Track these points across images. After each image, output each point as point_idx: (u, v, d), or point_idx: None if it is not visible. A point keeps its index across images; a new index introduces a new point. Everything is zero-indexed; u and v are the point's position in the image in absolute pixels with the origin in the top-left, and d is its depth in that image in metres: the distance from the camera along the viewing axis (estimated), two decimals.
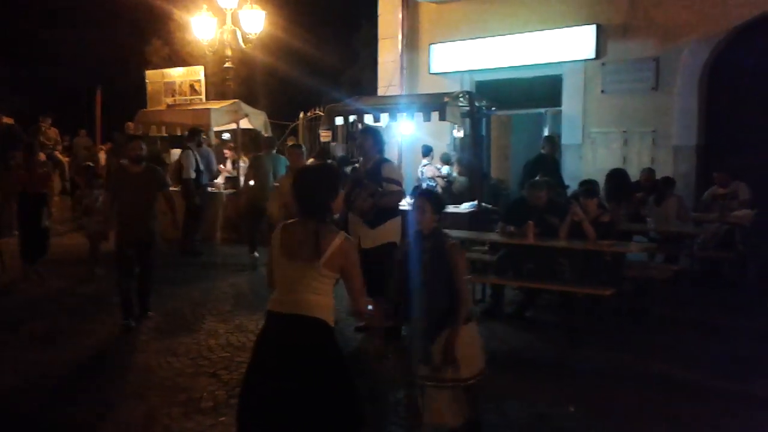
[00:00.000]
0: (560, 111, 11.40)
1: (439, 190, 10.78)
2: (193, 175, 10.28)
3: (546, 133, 11.57)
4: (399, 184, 6.06)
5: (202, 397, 4.88)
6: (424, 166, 11.26)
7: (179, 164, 10.47)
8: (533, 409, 4.67)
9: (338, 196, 3.43)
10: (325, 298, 3.23)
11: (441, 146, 12.11)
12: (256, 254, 9.66)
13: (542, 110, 11.91)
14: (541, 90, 11.66)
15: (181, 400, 4.84)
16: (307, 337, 3.16)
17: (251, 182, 10.11)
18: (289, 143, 12.27)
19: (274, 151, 10.45)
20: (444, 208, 4.23)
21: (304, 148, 7.66)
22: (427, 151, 11.54)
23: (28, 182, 8.57)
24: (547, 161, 9.60)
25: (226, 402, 4.77)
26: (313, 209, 3.26)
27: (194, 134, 10.65)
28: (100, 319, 6.90)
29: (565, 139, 11.14)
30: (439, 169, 11.18)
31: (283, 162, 10.05)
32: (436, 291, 3.84)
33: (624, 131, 10.64)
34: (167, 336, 6.33)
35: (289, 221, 3.34)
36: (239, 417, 3.26)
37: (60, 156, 13.85)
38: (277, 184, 8.82)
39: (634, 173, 9.33)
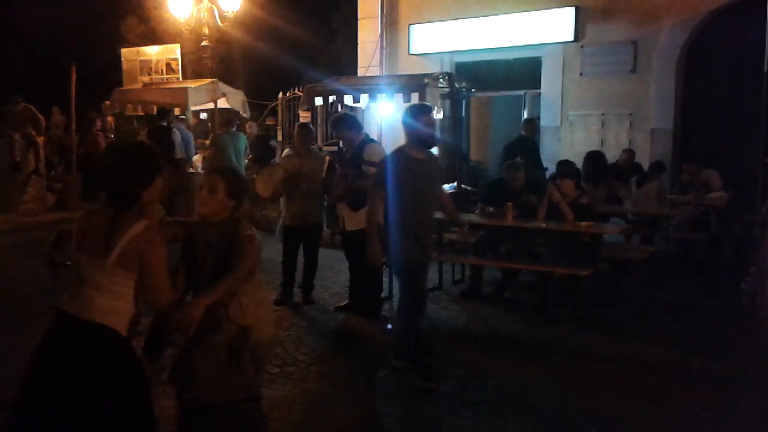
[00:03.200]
0: (539, 93, 11.45)
1: None
2: (179, 154, 10.28)
3: (525, 115, 11.62)
4: (377, 166, 6.00)
5: None
6: None
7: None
8: (509, 387, 4.73)
9: (154, 183, 2.75)
10: (118, 302, 2.68)
11: None
12: None
13: (521, 92, 11.94)
14: (520, 72, 11.69)
15: None
16: (93, 349, 2.64)
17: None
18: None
19: (234, 129, 10.37)
20: (245, 194, 3.32)
21: (312, 129, 7.49)
22: None
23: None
24: (527, 143, 9.66)
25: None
26: (116, 196, 2.71)
27: (165, 114, 10.55)
28: None
29: (544, 121, 11.20)
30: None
31: (243, 140, 10.05)
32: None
33: (602, 114, 10.73)
34: None
35: (94, 207, 2.81)
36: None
37: (34, 134, 13.60)
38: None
39: (611, 155, 9.42)
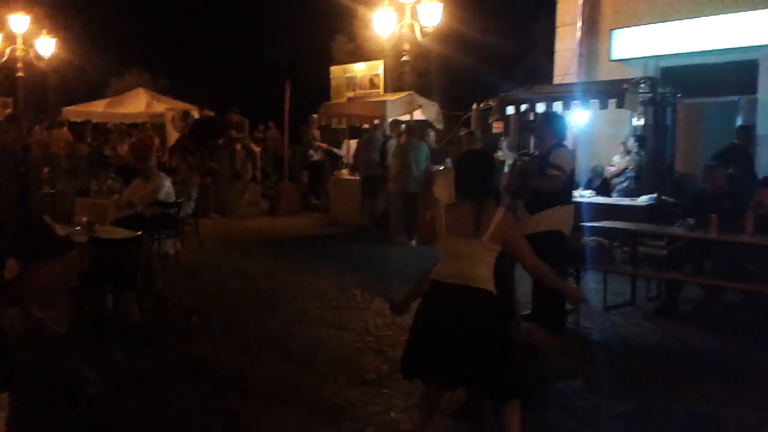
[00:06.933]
0: (756, 98, 10.47)
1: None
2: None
3: (739, 122, 10.68)
4: (560, 169, 5.72)
5: (367, 370, 5.13)
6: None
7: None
8: (701, 411, 4.40)
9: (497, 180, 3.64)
10: (487, 270, 3.48)
11: (618, 135, 11.57)
12: (413, 242, 10.00)
13: (735, 98, 10.99)
14: (733, 76, 10.78)
15: (347, 371, 5.12)
16: (476, 305, 3.44)
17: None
18: (462, 132, 12.47)
19: (416, 139, 10.74)
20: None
21: (478, 134, 7.88)
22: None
23: None
24: (738, 152, 8.87)
25: (389, 376, 4.97)
26: (473, 190, 3.55)
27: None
28: (286, 294, 7.48)
29: (761, 129, 10.19)
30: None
31: (425, 149, 10.31)
32: None
33: None
34: (338, 312, 6.72)
35: (452, 202, 3.65)
36: (406, 365, 3.64)
37: (252, 145, 15.03)
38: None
39: None
